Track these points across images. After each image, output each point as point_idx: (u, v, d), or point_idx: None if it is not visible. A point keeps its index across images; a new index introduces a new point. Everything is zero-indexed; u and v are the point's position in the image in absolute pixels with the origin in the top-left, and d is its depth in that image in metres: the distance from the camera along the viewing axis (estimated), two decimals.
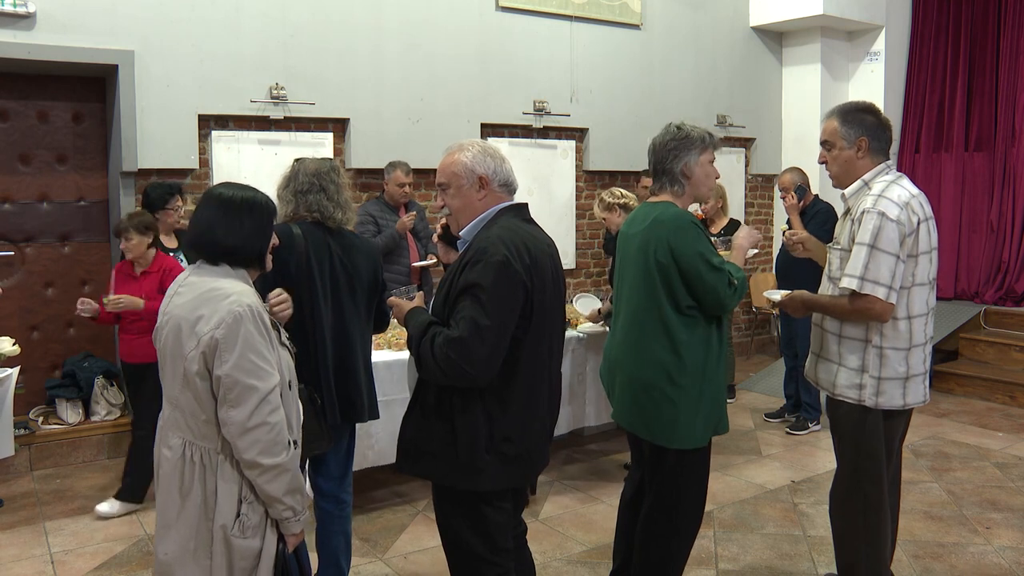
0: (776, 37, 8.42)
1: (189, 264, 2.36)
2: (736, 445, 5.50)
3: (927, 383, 3.00)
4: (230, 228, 2.24)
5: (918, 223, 2.84)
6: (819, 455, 5.30)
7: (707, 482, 3.08)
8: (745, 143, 8.38)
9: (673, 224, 2.87)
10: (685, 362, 2.87)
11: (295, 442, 2.22)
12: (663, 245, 2.85)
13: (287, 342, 2.36)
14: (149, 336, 4.26)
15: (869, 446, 2.96)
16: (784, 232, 3.43)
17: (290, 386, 2.28)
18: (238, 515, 2.16)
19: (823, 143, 3.05)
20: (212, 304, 2.14)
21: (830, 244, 3.09)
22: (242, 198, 2.29)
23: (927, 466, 5.11)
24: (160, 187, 4.76)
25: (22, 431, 4.95)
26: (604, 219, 4.89)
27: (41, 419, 5.24)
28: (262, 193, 2.36)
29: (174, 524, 2.18)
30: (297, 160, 3.21)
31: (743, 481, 4.87)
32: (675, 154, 2.95)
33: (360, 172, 6.15)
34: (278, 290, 2.63)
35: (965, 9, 8.15)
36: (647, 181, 5.70)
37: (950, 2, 8.26)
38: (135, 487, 4.43)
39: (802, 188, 5.63)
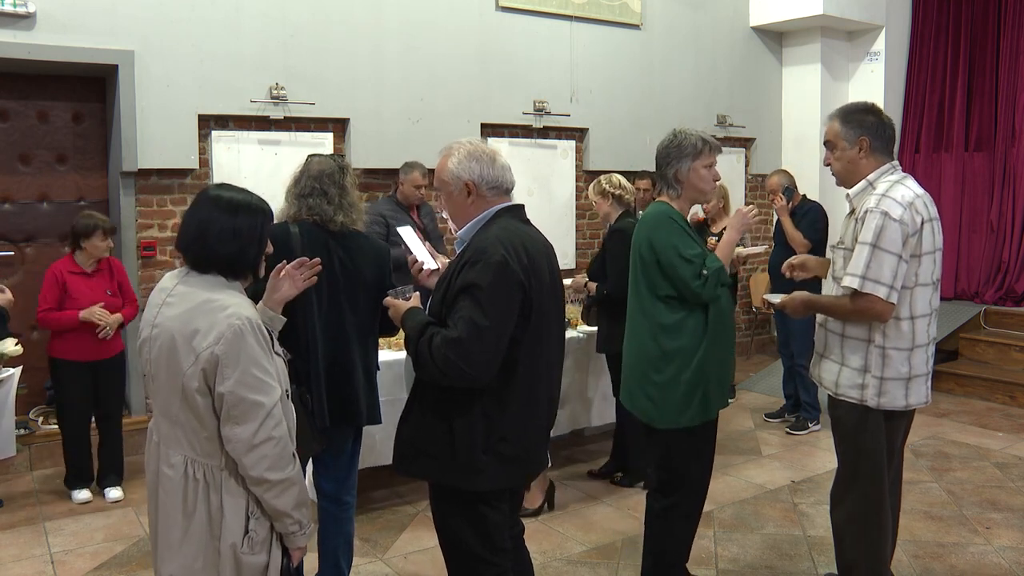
0: (776, 37, 8.42)
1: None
2: (736, 445, 5.50)
3: (929, 384, 3.00)
4: (223, 234, 2.14)
5: (922, 223, 2.84)
6: (819, 455, 5.30)
7: (705, 462, 3.26)
8: (745, 143, 8.38)
9: (652, 222, 3.16)
10: (663, 348, 3.10)
11: (293, 453, 2.15)
12: (645, 241, 3.15)
13: (279, 349, 2.27)
14: (86, 334, 4.37)
15: (870, 446, 2.96)
16: (785, 265, 3.40)
17: (287, 395, 2.20)
18: (246, 531, 2.10)
19: (826, 143, 3.09)
20: (208, 317, 2.05)
21: (833, 244, 3.10)
22: (236, 201, 2.18)
23: (927, 466, 5.11)
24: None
25: (22, 431, 4.95)
26: (595, 203, 4.74)
27: (41, 419, 5.24)
28: (256, 196, 2.26)
29: (178, 545, 2.10)
30: (308, 157, 3.20)
31: (743, 481, 4.87)
32: (667, 161, 3.18)
33: (360, 172, 6.14)
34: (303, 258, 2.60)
35: (965, 9, 8.15)
36: (640, 184, 5.72)
37: (950, 2, 8.26)
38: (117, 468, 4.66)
39: (790, 189, 5.68)
